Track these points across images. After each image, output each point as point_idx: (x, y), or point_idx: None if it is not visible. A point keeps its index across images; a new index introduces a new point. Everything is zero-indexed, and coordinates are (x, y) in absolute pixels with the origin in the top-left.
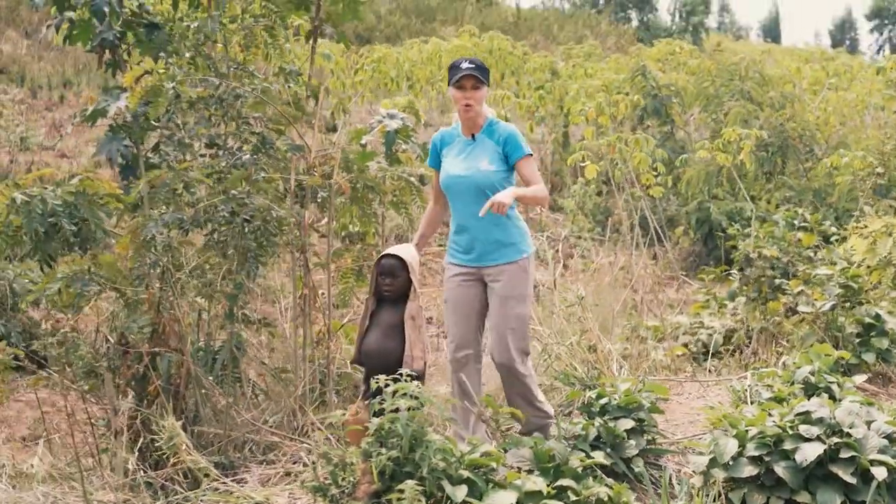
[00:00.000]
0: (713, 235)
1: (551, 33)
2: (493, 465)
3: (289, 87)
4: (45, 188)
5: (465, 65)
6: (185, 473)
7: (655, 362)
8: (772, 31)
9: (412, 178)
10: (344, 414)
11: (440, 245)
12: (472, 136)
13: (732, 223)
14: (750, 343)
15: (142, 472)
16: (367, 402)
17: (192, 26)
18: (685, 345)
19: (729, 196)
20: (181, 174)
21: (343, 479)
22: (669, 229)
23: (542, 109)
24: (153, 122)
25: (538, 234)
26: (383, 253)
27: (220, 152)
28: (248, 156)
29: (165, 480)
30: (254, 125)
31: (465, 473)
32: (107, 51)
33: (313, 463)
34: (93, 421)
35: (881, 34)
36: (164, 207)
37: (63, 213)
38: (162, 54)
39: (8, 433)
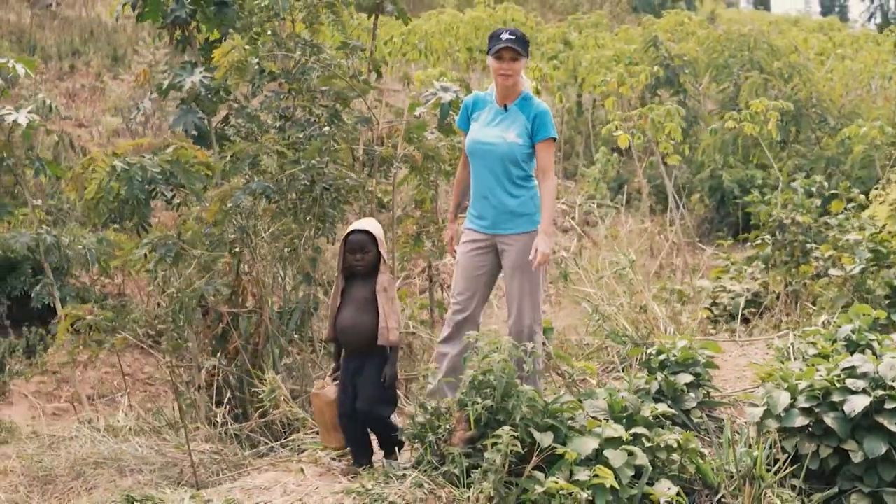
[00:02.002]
0: (725, 202)
1: (548, 1)
2: (573, 414)
3: (352, 61)
4: (143, 156)
5: (505, 35)
6: (266, 426)
7: (685, 325)
8: None
9: None
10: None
11: None
12: (505, 105)
13: (745, 191)
14: (775, 306)
15: (229, 424)
16: (335, 378)
17: (262, 4)
18: (709, 307)
19: (740, 164)
20: (264, 146)
21: (439, 427)
22: (684, 197)
23: (556, 79)
24: (224, 96)
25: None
26: (351, 229)
27: (288, 124)
28: (326, 127)
29: (251, 432)
30: (321, 98)
31: (550, 421)
32: (178, 28)
33: (412, 412)
34: (175, 378)
35: (872, 1)
36: (246, 177)
37: (161, 180)
38: (231, 31)
39: (72, 393)
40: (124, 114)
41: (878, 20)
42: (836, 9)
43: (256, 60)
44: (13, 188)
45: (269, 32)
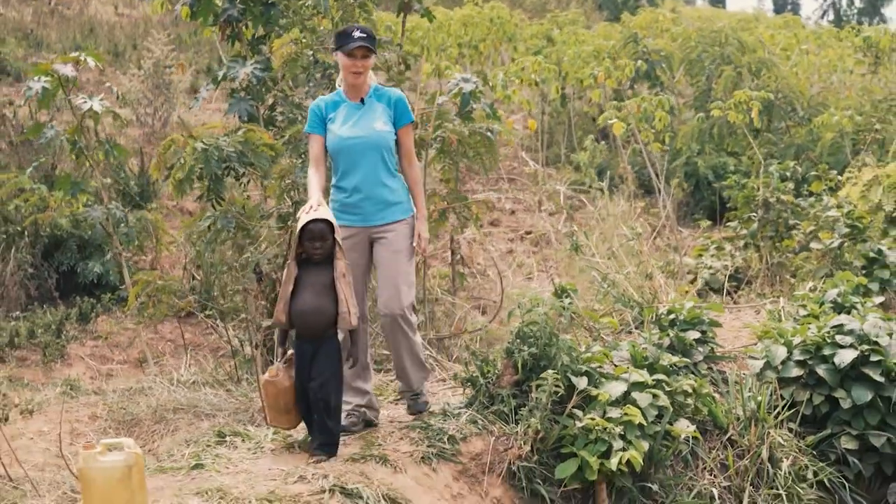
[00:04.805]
0: (700, 188)
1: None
2: (603, 362)
3: (385, 56)
4: (218, 138)
5: (356, 34)
6: None
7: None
8: None
9: (488, 133)
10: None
11: None
12: (361, 100)
13: (718, 176)
14: (758, 277)
15: None
16: (286, 363)
17: (307, 3)
18: (691, 281)
19: (714, 152)
20: None
21: (488, 372)
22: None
23: (536, 73)
24: (270, 85)
25: (537, 187)
26: (309, 218)
27: None
28: None
29: None
30: None
31: (584, 367)
32: (229, 25)
33: (465, 359)
34: (230, 340)
35: None
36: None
37: (235, 159)
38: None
39: (124, 356)
40: (134, 106)
41: (831, 17)
42: (789, 6)
43: (311, 52)
44: (53, 169)
45: (321, 28)
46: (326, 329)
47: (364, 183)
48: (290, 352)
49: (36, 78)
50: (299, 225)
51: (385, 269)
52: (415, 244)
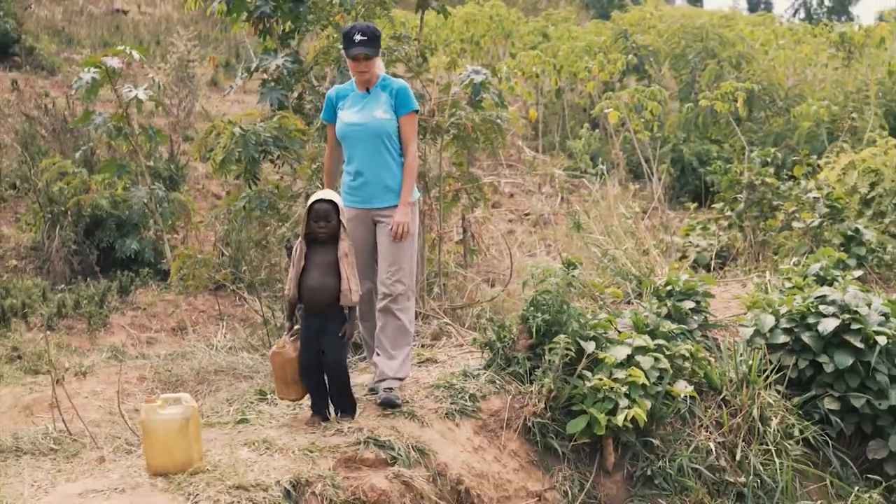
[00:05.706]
0: (685, 173)
1: None
2: (608, 328)
3: (404, 49)
4: (254, 124)
5: (357, 37)
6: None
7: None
8: None
9: (499, 121)
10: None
11: None
12: (367, 89)
13: (702, 162)
14: (743, 255)
15: None
16: (293, 337)
17: (332, 1)
18: (680, 258)
19: (697, 140)
20: None
21: (504, 337)
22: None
23: (537, 67)
24: (299, 76)
25: (532, 173)
26: (316, 198)
27: None
28: None
29: None
30: None
31: (592, 333)
32: (261, 21)
33: (483, 325)
34: (261, 310)
35: None
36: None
37: (271, 143)
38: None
39: (161, 325)
40: (160, 96)
41: (802, 16)
42: (763, 5)
43: (341, 47)
44: (92, 154)
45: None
46: (331, 305)
47: (365, 167)
48: (296, 326)
49: (86, 69)
50: (307, 205)
51: (383, 251)
52: (392, 230)
